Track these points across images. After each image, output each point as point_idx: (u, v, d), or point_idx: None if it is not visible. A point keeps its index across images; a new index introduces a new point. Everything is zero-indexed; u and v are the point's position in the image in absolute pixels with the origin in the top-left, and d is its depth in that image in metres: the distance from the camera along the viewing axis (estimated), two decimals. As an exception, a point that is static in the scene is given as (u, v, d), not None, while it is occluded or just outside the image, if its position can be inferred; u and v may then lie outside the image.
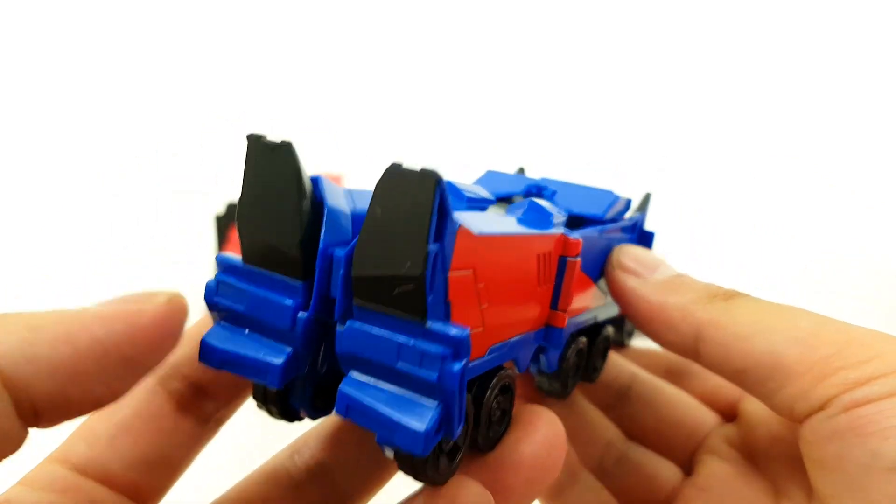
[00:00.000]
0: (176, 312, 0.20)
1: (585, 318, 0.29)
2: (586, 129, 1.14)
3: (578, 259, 0.25)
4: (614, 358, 0.34)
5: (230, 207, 0.71)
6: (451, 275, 0.19)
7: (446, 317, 0.19)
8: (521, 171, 0.31)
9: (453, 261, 0.19)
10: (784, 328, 0.23)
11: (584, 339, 0.30)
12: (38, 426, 0.15)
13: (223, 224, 0.70)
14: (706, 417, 0.32)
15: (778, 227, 0.93)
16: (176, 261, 0.83)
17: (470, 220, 0.21)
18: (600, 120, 1.15)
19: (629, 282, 0.27)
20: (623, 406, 0.33)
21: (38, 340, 0.15)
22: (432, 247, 0.18)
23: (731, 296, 0.25)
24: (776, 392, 0.22)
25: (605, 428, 0.32)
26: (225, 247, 0.69)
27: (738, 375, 0.24)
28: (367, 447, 0.26)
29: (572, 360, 0.29)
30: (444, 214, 0.19)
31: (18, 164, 1.10)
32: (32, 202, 1.02)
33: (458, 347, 0.18)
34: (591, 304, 0.29)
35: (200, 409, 0.25)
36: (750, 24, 1.24)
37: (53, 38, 1.24)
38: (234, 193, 0.77)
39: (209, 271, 0.74)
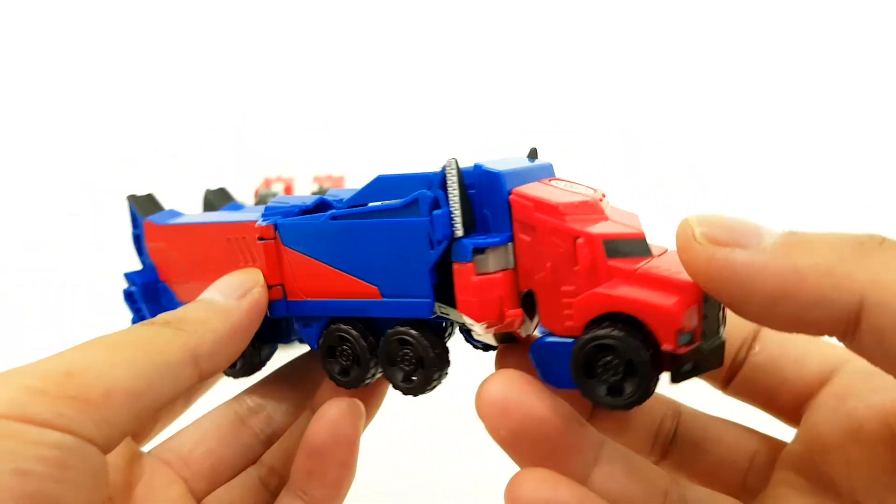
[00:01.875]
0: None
1: (342, 307, 0.27)
2: (585, 131, 1.14)
3: (272, 241, 0.28)
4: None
5: (231, 207, 0.71)
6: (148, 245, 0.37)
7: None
8: (534, 151, 0.28)
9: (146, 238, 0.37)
10: None
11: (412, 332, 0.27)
12: (200, 376, 0.23)
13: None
14: (753, 443, 0.27)
15: (776, 226, 0.93)
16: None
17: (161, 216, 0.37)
18: (599, 121, 1.15)
19: (736, 257, 0.19)
20: (673, 453, 0.28)
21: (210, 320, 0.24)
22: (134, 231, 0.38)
23: (880, 241, 0.19)
24: None
25: (658, 477, 0.26)
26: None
27: None
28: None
29: (387, 350, 0.27)
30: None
31: (19, 165, 1.10)
32: (33, 202, 1.02)
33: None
34: (341, 292, 0.27)
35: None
36: (746, 25, 1.24)
37: (54, 38, 1.24)
38: (234, 193, 0.77)
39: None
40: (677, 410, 0.28)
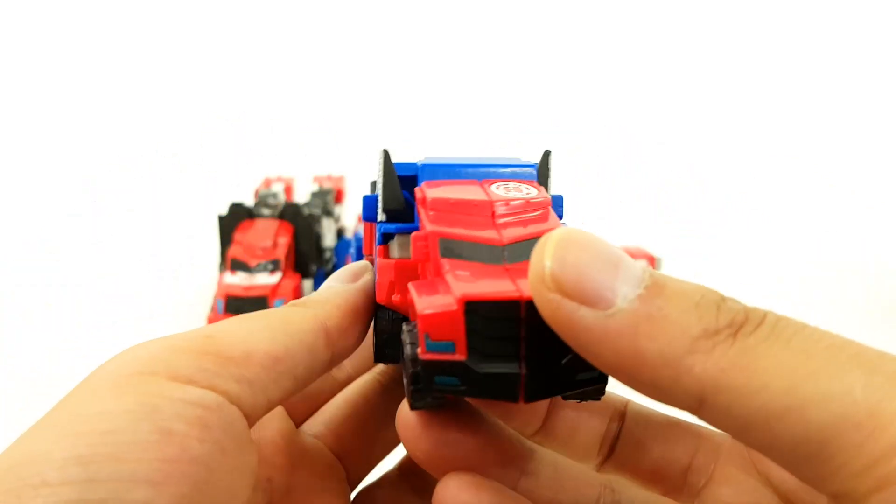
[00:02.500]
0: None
1: None
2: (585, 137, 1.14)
3: None
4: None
5: (233, 207, 0.71)
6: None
7: None
8: (546, 154, 0.26)
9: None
10: (831, 398, 0.16)
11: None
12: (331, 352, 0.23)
13: (225, 223, 0.70)
14: (694, 439, 0.26)
15: (777, 226, 0.93)
16: (178, 260, 0.83)
17: None
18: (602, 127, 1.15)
19: (581, 317, 0.17)
20: (617, 453, 0.26)
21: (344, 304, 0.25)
22: None
23: (739, 327, 0.17)
24: (819, 481, 0.16)
25: (589, 483, 0.25)
26: (229, 247, 0.69)
27: (762, 451, 0.17)
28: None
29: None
30: None
31: (20, 164, 1.10)
32: (33, 202, 1.02)
33: None
34: None
35: None
36: (746, 25, 1.24)
37: (53, 38, 1.24)
38: (235, 193, 0.77)
39: (212, 270, 0.74)
40: (624, 410, 0.27)
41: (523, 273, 0.19)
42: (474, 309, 0.19)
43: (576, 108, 1.18)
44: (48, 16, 1.25)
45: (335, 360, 0.24)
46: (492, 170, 0.24)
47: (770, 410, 0.16)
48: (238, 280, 0.66)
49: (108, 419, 0.18)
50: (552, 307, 0.17)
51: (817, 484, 0.16)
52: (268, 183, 0.79)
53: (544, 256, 0.17)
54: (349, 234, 0.77)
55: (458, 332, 0.19)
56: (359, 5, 1.26)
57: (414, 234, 0.22)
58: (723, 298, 0.17)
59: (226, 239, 0.70)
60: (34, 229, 0.94)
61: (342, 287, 0.26)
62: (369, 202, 0.26)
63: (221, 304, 0.65)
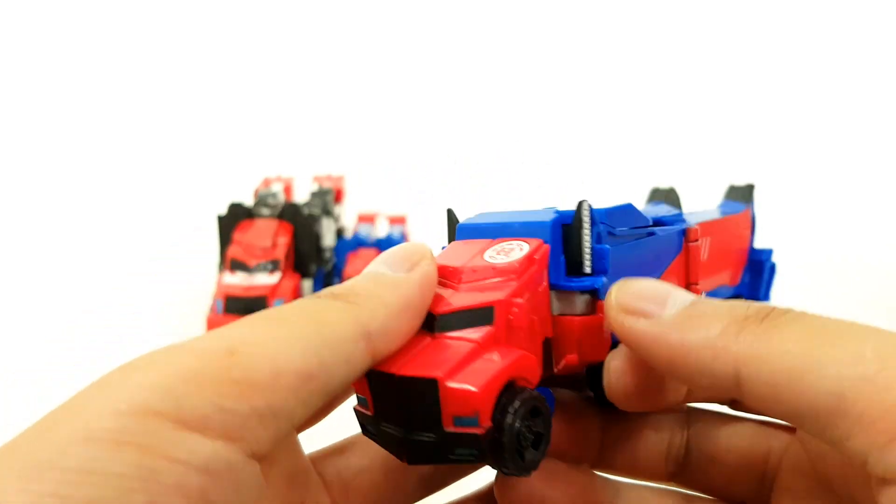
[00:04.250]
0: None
1: None
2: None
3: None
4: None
5: (232, 207, 0.71)
6: None
7: None
8: (581, 204, 0.25)
9: None
10: (844, 359, 0.18)
11: None
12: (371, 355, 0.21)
13: (225, 224, 0.70)
14: (764, 445, 0.26)
15: (777, 225, 0.93)
16: (178, 260, 0.83)
17: None
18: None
19: (637, 325, 0.21)
20: (687, 469, 0.27)
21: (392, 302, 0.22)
22: None
23: (765, 316, 0.20)
24: (844, 441, 0.18)
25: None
26: (228, 247, 0.69)
27: (792, 419, 0.20)
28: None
29: None
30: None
31: (19, 165, 1.10)
32: (31, 203, 1.02)
33: None
34: None
35: None
36: (747, 26, 1.24)
37: (53, 38, 1.24)
38: (234, 193, 0.77)
39: (211, 270, 0.74)
40: (686, 421, 0.27)
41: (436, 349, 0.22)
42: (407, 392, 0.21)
43: (576, 106, 1.18)
44: (48, 15, 1.25)
45: (374, 365, 0.21)
46: (510, 228, 0.24)
47: (792, 372, 0.19)
48: (237, 280, 0.66)
49: (98, 483, 0.15)
50: (618, 323, 0.22)
51: (841, 444, 0.18)
52: (267, 183, 0.79)
53: (611, 293, 0.22)
54: (349, 234, 0.77)
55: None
56: (358, 5, 1.26)
57: None
58: (751, 304, 0.21)
59: (225, 239, 0.70)
60: (33, 229, 0.94)
61: (393, 277, 0.22)
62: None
63: (221, 305, 0.65)
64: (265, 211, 0.71)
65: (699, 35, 1.23)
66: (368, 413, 0.22)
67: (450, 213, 0.26)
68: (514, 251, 0.23)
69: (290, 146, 1.11)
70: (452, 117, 1.16)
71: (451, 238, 0.25)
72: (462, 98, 1.19)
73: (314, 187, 0.79)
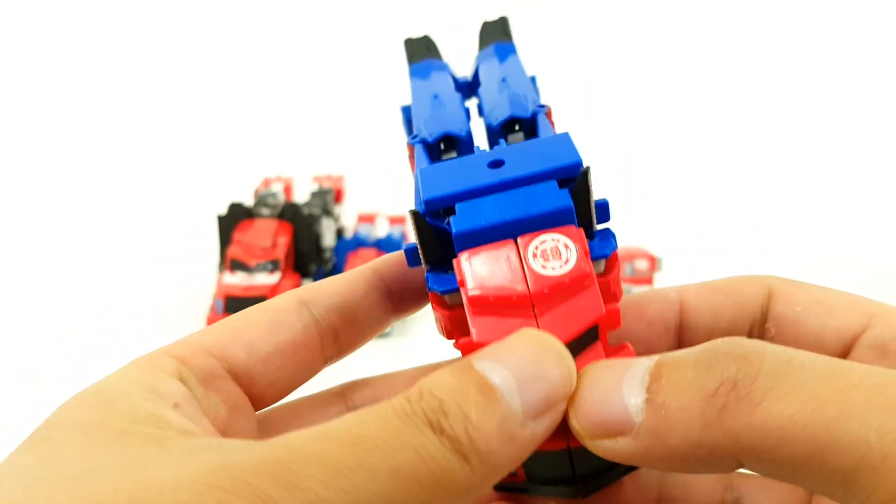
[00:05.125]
0: None
1: None
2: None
3: None
4: None
5: (232, 207, 0.71)
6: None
7: None
8: (586, 172, 0.23)
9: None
10: (845, 440, 0.16)
11: None
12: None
13: (225, 223, 0.70)
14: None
15: (778, 224, 0.93)
16: (177, 260, 0.83)
17: None
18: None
19: (620, 448, 0.18)
20: None
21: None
22: None
23: (733, 383, 0.17)
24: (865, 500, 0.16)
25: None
26: (228, 247, 0.69)
27: (802, 486, 0.18)
28: None
29: None
30: None
31: (18, 164, 1.10)
32: (30, 203, 1.02)
33: None
34: None
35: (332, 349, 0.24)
36: (750, 21, 1.24)
37: (53, 38, 1.24)
38: (234, 193, 0.77)
39: (211, 270, 0.74)
40: (730, 481, 0.25)
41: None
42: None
43: (575, 103, 1.18)
44: (48, 15, 1.25)
45: None
46: (526, 222, 0.21)
47: (794, 461, 0.16)
48: (237, 280, 0.66)
49: None
50: (600, 451, 0.18)
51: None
52: (267, 183, 0.79)
53: (570, 416, 0.18)
54: (349, 234, 0.77)
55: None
56: (358, 5, 1.26)
57: (463, 343, 0.20)
58: (716, 354, 0.17)
59: (225, 239, 0.70)
60: (33, 229, 0.94)
61: (521, 430, 0.17)
62: (411, 252, 0.23)
63: (220, 304, 0.65)
64: (265, 211, 0.71)
65: (701, 28, 1.23)
66: (515, 480, 0.21)
67: (416, 214, 0.22)
68: (562, 250, 0.21)
69: (290, 146, 1.11)
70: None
71: (426, 242, 0.22)
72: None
73: (314, 187, 0.79)
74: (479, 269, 0.21)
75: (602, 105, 1.18)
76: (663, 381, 0.18)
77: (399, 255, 0.24)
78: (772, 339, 0.24)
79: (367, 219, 0.77)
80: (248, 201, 0.73)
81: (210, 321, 0.64)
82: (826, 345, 0.23)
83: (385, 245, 0.72)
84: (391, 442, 0.16)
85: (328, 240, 0.74)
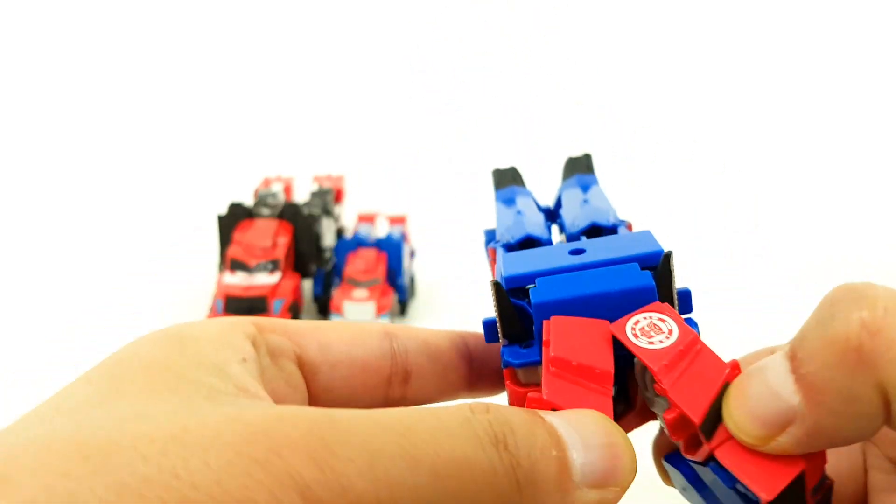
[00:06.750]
0: None
1: None
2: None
3: None
4: None
5: (232, 207, 0.71)
6: None
7: None
8: (669, 256, 0.23)
9: None
10: None
11: None
12: None
13: (225, 223, 0.70)
14: None
15: (781, 224, 0.93)
16: (177, 259, 0.83)
17: None
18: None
19: (783, 444, 0.18)
20: None
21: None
22: None
23: (877, 314, 0.17)
24: None
25: None
26: (228, 247, 0.69)
27: None
28: None
29: None
30: None
31: (18, 164, 1.10)
32: (30, 202, 1.02)
33: None
34: None
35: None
36: (752, 21, 1.24)
37: (53, 37, 1.24)
38: (234, 193, 0.77)
39: (211, 270, 0.74)
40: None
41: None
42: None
43: (575, 103, 1.18)
44: (48, 15, 1.25)
45: None
46: (604, 288, 0.21)
47: None
48: (237, 280, 0.66)
49: None
50: (779, 450, 0.18)
51: None
52: (267, 183, 0.79)
53: (737, 433, 0.18)
54: (349, 234, 0.77)
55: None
56: (358, 5, 1.26)
57: (532, 397, 0.20)
58: (832, 304, 0.17)
59: (225, 239, 0.70)
60: (33, 229, 0.94)
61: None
62: (489, 326, 0.23)
63: (221, 304, 0.65)
64: (265, 211, 0.71)
65: (701, 28, 1.23)
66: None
67: (498, 286, 0.22)
68: (660, 325, 0.21)
69: (290, 146, 1.11)
70: (453, 117, 1.16)
71: (505, 315, 0.22)
72: (462, 98, 1.19)
73: (314, 187, 0.79)
74: (566, 335, 0.20)
75: (602, 105, 1.18)
76: (800, 355, 0.17)
77: None
78: None
79: (367, 219, 0.77)
80: (249, 201, 0.73)
81: (210, 320, 0.64)
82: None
83: (385, 245, 0.72)
84: (442, 442, 0.15)
85: (328, 240, 0.74)
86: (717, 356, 0.20)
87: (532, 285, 0.22)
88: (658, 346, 0.20)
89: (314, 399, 0.22)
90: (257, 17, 1.26)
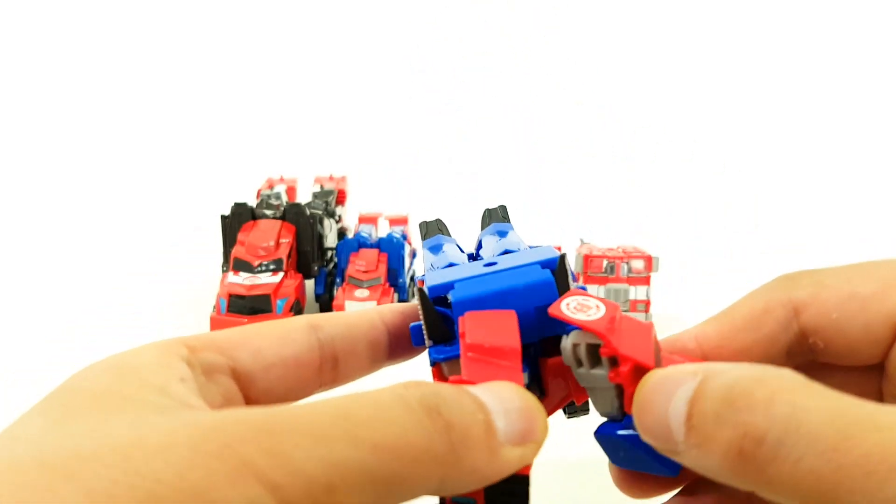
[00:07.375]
0: None
1: None
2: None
3: None
4: None
5: (236, 207, 0.72)
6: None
7: None
8: (563, 258, 0.26)
9: None
10: None
11: None
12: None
13: (228, 224, 0.71)
14: None
15: (781, 223, 0.93)
16: (182, 260, 0.83)
17: None
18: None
19: (679, 459, 0.19)
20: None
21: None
22: None
23: (758, 443, 0.17)
24: None
25: None
26: (232, 247, 0.69)
27: None
28: None
29: None
30: None
31: (21, 165, 1.10)
32: (34, 203, 1.02)
33: None
34: None
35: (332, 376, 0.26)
36: (750, 21, 1.24)
37: (54, 37, 1.24)
38: (238, 194, 0.77)
39: (215, 270, 0.74)
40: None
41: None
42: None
43: (575, 103, 1.18)
44: (49, 15, 1.25)
45: None
46: (511, 292, 0.24)
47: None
48: (241, 280, 0.66)
49: None
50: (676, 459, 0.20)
51: None
52: (270, 184, 0.79)
53: (638, 427, 0.21)
54: (350, 235, 0.78)
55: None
56: (361, 7, 1.27)
57: (454, 379, 0.22)
58: (733, 409, 0.18)
59: (229, 239, 0.71)
60: (33, 229, 0.94)
61: (502, 453, 0.19)
62: (416, 330, 0.26)
63: (224, 304, 0.65)
64: (268, 212, 0.71)
65: (701, 28, 1.23)
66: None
67: (422, 292, 0.25)
68: (590, 303, 0.24)
69: (292, 148, 1.11)
70: (453, 117, 1.17)
71: (429, 318, 0.25)
72: (462, 98, 1.20)
73: (316, 188, 0.79)
74: (479, 325, 0.23)
75: (602, 105, 1.18)
76: (698, 409, 0.19)
77: (401, 306, 0.27)
78: (823, 351, 0.25)
79: (369, 220, 0.77)
80: (252, 202, 0.73)
81: (213, 320, 0.65)
82: (877, 338, 0.24)
83: (386, 245, 0.72)
84: (379, 418, 0.17)
85: (330, 240, 0.74)
86: (635, 319, 0.23)
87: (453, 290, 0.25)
88: (594, 317, 0.23)
89: (253, 403, 0.23)
90: (260, 20, 1.27)
